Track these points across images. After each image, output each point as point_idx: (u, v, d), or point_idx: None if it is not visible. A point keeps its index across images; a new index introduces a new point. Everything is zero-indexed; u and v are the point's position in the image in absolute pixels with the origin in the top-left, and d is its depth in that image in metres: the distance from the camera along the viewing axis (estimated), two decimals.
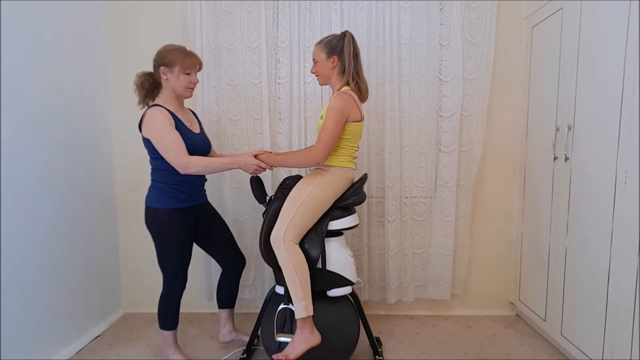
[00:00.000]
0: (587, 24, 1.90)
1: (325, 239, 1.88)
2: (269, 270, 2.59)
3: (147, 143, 1.87)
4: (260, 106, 2.53)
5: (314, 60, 1.91)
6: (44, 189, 2.07)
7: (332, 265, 1.87)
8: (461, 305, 2.70)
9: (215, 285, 2.25)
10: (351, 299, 2.00)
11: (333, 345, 1.81)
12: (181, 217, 1.93)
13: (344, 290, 1.91)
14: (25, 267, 1.95)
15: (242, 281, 2.35)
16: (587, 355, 1.89)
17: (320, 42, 1.90)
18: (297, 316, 1.73)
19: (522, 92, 2.53)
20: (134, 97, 1.99)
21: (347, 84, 1.88)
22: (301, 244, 1.83)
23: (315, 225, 1.85)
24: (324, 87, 2.46)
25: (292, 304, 1.79)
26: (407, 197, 2.56)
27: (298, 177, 1.99)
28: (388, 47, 2.43)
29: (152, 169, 1.94)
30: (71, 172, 2.27)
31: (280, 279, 1.85)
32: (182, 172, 1.80)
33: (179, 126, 1.87)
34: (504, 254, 2.67)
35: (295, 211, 1.77)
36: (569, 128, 2.02)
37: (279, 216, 1.81)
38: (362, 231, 2.57)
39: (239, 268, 2.21)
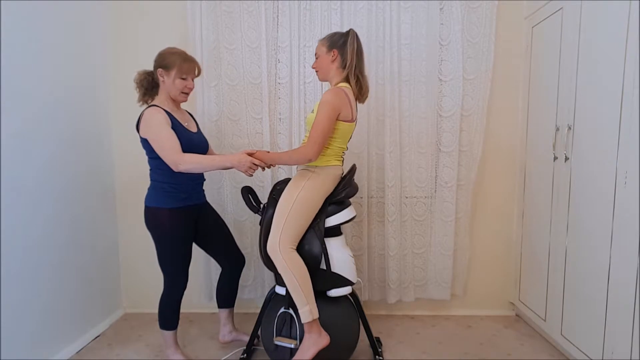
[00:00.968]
0: (587, 24, 1.90)
1: (325, 239, 1.88)
2: (268, 270, 2.58)
3: (145, 143, 1.87)
4: (260, 106, 2.53)
5: (315, 55, 1.91)
6: (44, 188, 2.07)
7: (332, 265, 1.87)
8: (461, 305, 2.70)
9: (215, 285, 2.26)
10: (351, 299, 2.01)
11: (333, 345, 1.80)
12: (181, 216, 1.94)
13: (344, 291, 1.91)
14: (25, 267, 1.95)
15: (242, 281, 2.35)
16: (587, 355, 1.89)
17: (323, 38, 1.89)
18: (303, 321, 1.74)
19: (522, 92, 2.53)
20: (133, 97, 2.00)
21: (346, 80, 1.86)
22: (301, 246, 1.82)
23: (312, 224, 1.84)
24: (323, 87, 2.46)
25: (292, 309, 1.80)
26: (407, 197, 2.56)
27: (288, 182, 1.97)
28: (388, 47, 2.43)
29: (151, 169, 1.95)
30: (71, 171, 2.27)
31: (280, 279, 1.85)
32: (175, 169, 1.80)
33: (176, 126, 1.88)
34: (504, 254, 2.67)
35: (286, 218, 1.76)
36: (569, 128, 2.02)
37: (272, 225, 1.80)
38: (362, 231, 2.57)
39: (239, 268, 2.22)
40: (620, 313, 1.68)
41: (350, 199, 1.99)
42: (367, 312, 2.63)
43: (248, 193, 2.03)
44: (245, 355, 2.11)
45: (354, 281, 1.93)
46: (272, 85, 2.53)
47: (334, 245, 1.91)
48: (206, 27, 2.47)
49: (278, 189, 1.95)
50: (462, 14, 2.42)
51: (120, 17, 2.60)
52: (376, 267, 2.61)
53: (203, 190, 2.13)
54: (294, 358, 1.75)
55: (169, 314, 2.02)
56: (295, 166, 2.50)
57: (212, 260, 2.53)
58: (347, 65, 1.82)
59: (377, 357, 2.09)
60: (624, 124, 1.65)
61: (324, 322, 1.81)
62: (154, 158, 1.89)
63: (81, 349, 2.30)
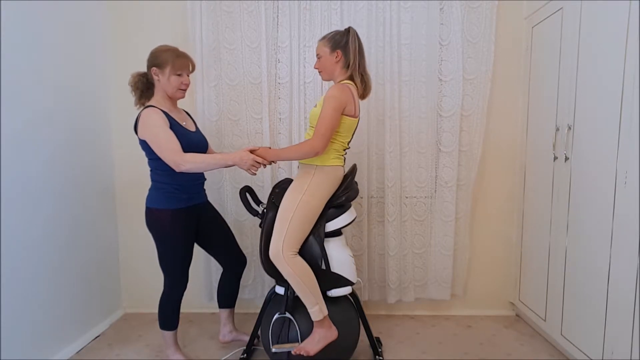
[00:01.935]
0: (587, 24, 1.90)
1: (325, 239, 1.88)
2: None
3: (144, 144, 1.86)
4: (260, 106, 2.53)
5: (317, 55, 1.90)
6: (44, 188, 2.07)
7: (332, 266, 1.87)
8: (461, 305, 2.70)
9: (216, 285, 2.26)
10: (351, 299, 2.00)
11: (333, 345, 1.81)
12: (183, 217, 1.93)
13: (344, 291, 1.91)
14: (25, 267, 1.95)
15: (242, 281, 2.35)
16: (587, 355, 1.89)
17: (323, 38, 1.89)
18: (314, 319, 1.77)
19: (522, 92, 2.53)
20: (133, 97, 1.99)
21: (349, 78, 1.87)
22: (301, 250, 1.82)
23: (312, 229, 1.84)
24: (323, 87, 2.46)
25: (287, 312, 1.82)
26: (407, 197, 2.56)
27: (287, 183, 1.96)
28: (388, 47, 2.43)
29: (151, 170, 1.94)
30: (71, 172, 2.27)
31: (280, 279, 1.85)
32: (176, 169, 1.79)
33: (174, 125, 1.87)
34: (504, 254, 2.67)
35: (289, 224, 1.76)
36: (569, 128, 2.02)
37: (274, 231, 1.79)
38: (362, 231, 2.57)
39: (240, 268, 2.22)
40: (620, 313, 1.68)
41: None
42: (367, 312, 2.63)
43: (246, 193, 2.02)
44: (245, 355, 2.11)
45: (354, 281, 1.92)
46: (272, 85, 2.53)
47: (334, 246, 1.91)
48: (206, 27, 2.47)
49: (277, 192, 1.93)
50: (462, 14, 2.42)
51: (120, 17, 2.60)
52: (376, 267, 2.61)
53: (204, 190, 2.12)
54: (301, 345, 1.77)
55: (169, 314, 2.01)
56: (296, 166, 2.51)
57: (213, 260, 2.53)
58: (351, 64, 1.84)
59: (377, 357, 2.09)
60: (624, 124, 1.65)
61: None
62: (153, 159, 1.88)
63: (81, 349, 2.30)
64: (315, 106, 1.86)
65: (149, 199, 1.94)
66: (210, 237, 2.13)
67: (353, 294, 1.99)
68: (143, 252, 2.66)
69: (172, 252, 1.94)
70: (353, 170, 1.98)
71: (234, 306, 2.26)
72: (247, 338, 2.20)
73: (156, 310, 2.04)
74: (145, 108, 1.87)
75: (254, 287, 2.65)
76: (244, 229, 2.62)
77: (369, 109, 2.47)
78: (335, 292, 1.89)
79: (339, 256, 1.90)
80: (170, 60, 1.87)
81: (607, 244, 1.76)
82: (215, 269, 2.58)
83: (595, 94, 1.84)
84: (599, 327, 1.81)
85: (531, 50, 2.43)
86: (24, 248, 1.94)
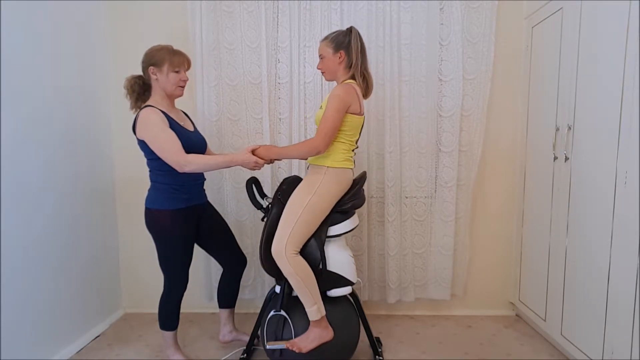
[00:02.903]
0: (587, 24, 1.90)
1: (326, 239, 1.88)
2: None
3: (143, 145, 1.86)
4: (260, 106, 2.53)
5: (320, 56, 1.90)
6: (44, 188, 2.07)
7: (332, 266, 1.87)
8: (461, 305, 2.70)
9: (216, 285, 2.26)
10: (351, 299, 2.00)
11: (333, 345, 1.81)
12: (183, 217, 1.93)
13: (344, 291, 1.91)
14: (25, 267, 1.95)
15: (242, 281, 2.35)
16: (587, 355, 1.89)
17: (326, 38, 1.89)
18: (311, 319, 1.77)
19: (522, 92, 2.53)
20: None
21: (352, 78, 1.88)
22: (301, 251, 1.82)
23: (315, 232, 1.84)
24: (323, 87, 2.47)
25: (283, 310, 1.82)
26: (407, 197, 2.56)
27: (295, 181, 1.96)
28: (388, 47, 2.43)
29: (150, 170, 1.94)
30: (71, 171, 2.27)
31: (278, 276, 1.85)
32: (180, 170, 1.79)
33: (173, 125, 1.87)
34: (504, 254, 2.67)
35: (295, 222, 1.76)
36: (569, 128, 2.02)
37: (278, 227, 1.79)
38: (362, 231, 2.57)
39: (240, 268, 2.21)
40: (620, 313, 1.68)
41: None
42: (367, 312, 2.63)
43: (252, 185, 2.01)
44: (245, 355, 2.11)
45: (354, 281, 1.92)
46: (272, 86, 2.53)
47: (334, 246, 1.91)
48: (206, 27, 2.47)
49: (284, 188, 1.92)
50: (462, 14, 2.42)
51: (120, 17, 2.60)
52: (376, 267, 2.61)
53: (204, 190, 2.12)
54: (294, 340, 1.77)
55: (169, 314, 2.01)
56: (297, 164, 2.51)
57: (212, 260, 2.53)
58: (353, 64, 1.85)
59: (377, 357, 2.09)
60: (624, 124, 1.65)
61: None
62: (153, 159, 1.88)
63: (81, 349, 2.30)
64: (320, 108, 1.87)
65: (149, 199, 1.93)
66: (210, 238, 2.12)
67: (353, 294, 1.99)
68: (143, 252, 2.66)
69: (172, 253, 1.94)
70: (362, 177, 1.98)
71: (234, 306, 2.26)
72: (247, 338, 2.20)
73: (156, 311, 2.04)
74: (143, 108, 1.86)
75: (254, 287, 2.65)
76: (244, 229, 2.62)
77: (369, 109, 2.47)
78: (335, 292, 1.89)
79: (339, 256, 1.90)
80: (167, 58, 1.87)
81: (607, 244, 1.76)
82: (215, 269, 2.58)
83: (595, 94, 1.84)
84: (599, 327, 1.81)
85: (531, 50, 2.43)
86: (24, 248, 1.94)
